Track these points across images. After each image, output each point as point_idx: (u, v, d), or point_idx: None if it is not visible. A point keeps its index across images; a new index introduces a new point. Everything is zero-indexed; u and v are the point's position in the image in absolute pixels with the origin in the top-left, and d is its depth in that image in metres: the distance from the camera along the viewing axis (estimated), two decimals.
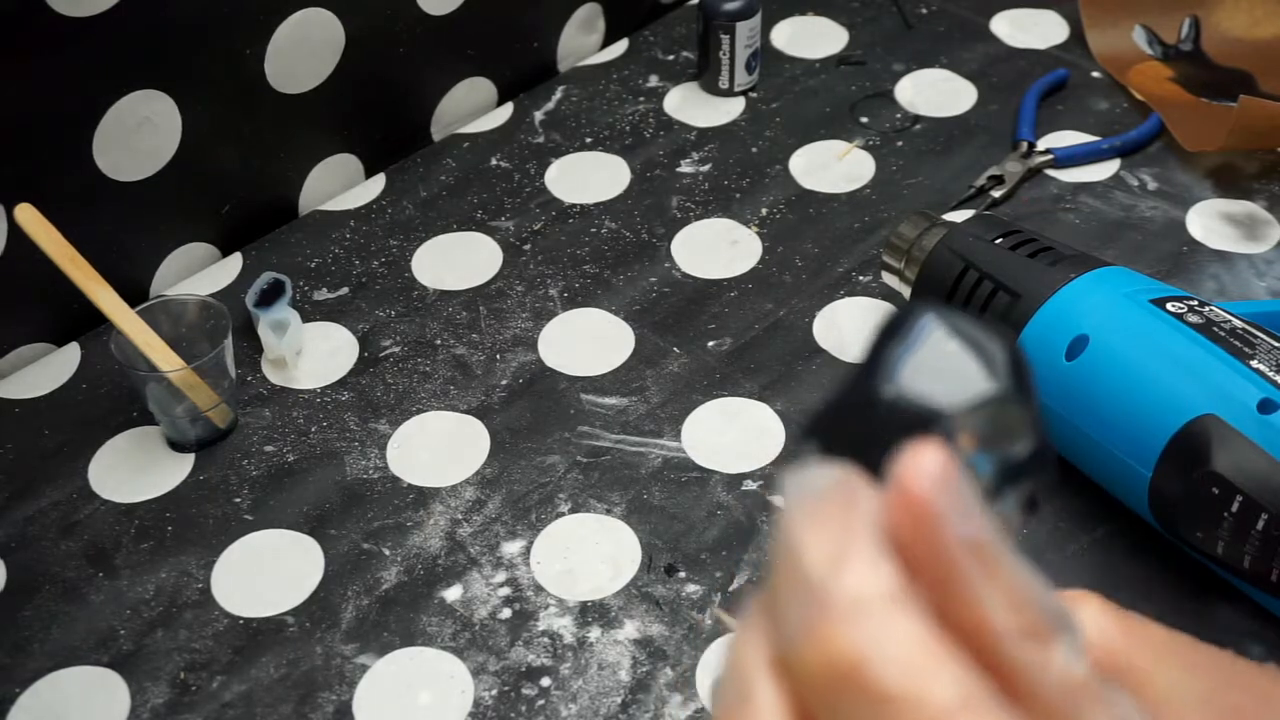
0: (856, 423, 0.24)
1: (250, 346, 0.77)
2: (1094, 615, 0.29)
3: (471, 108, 0.97)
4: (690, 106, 0.96)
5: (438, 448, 0.72)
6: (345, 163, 0.91)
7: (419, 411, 0.74)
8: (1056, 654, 0.23)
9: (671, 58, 1.01)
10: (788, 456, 0.70)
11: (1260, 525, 0.56)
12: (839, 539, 0.23)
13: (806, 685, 0.22)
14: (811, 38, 1.02)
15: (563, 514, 0.68)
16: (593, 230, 0.86)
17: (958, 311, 0.24)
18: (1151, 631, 0.29)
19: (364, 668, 0.62)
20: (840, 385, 0.25)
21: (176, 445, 0.72)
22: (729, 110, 0.95)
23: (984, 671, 0.23)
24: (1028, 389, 0.24)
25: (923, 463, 0.22)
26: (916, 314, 0.24)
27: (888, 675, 0.21)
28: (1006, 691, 0.22)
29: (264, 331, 0.75)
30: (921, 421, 0.23)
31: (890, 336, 0.24)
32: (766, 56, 0.99)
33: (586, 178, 0.90)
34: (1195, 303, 0.64)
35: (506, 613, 0.64)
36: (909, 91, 0.96)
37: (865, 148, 0.91)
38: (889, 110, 0.95)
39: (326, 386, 0.76)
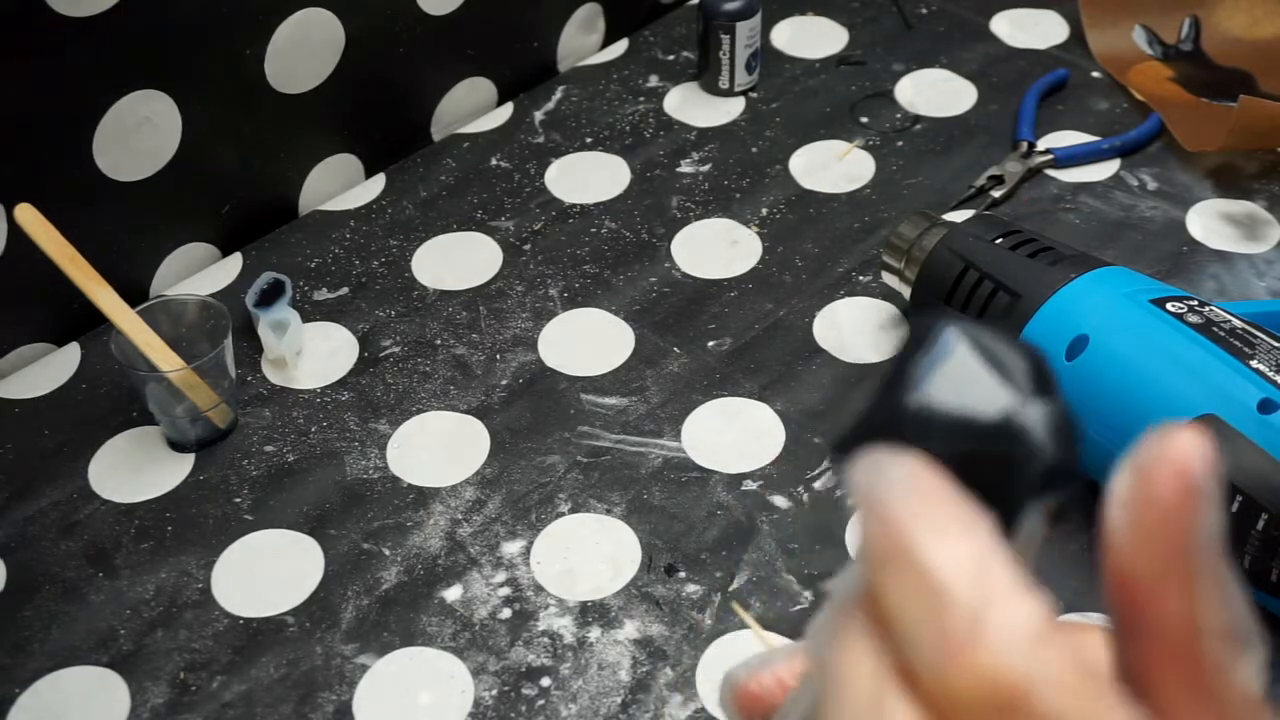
0: (883, 437, 0.24)
1: (250, 346, 0.77)
2: None
3: (471, 108, 0.97)
4: (690, 106, 0.96)
5: (438, 448, 0.72)
6: (345, 163, 0.91)
7: (419, 411, 0.74)
8: (1245, 664, 0.23)
9: (671, 58, 1.01)
10: (788, 456, 0.70)
11: (1260, 525, 0.56)
12: (972, 553, 0.22)
13: (956, 711, 0.22)
14: (811, 38, 1.02)
15: (563, 514, 0.68)
16: (593, 230, 0.86)
17: (979, 323, 0.25)
18: None
19: (364, 668, 0.62)
20: (864, 401, 0.25)
21: (176, 445, 0.72)
22: (729, 110, 0.95)
23: (1148, 689, 0.23)
24: (1054, 399, 0.24)
25: (1194, 442, 0.22)
26: (939, 327, 0.24)
27: (1056, 704, 0.21)
28: (1188, 692, 0.23)
29: (264, 331, 0.75)
30: (950, 432, 0.23)
31: (913, 350, 0.24)
32: (766, 56, 0.99)
33: (586, 178, 0.90)
34: (1195, 303, 0.64)
35: (506, 613, 0.64)
36: (909, 91, 0.96)
37: (865, 148, 0.91)
38: (889, 110, 0.95)
39: (326, 386, 0.76)
